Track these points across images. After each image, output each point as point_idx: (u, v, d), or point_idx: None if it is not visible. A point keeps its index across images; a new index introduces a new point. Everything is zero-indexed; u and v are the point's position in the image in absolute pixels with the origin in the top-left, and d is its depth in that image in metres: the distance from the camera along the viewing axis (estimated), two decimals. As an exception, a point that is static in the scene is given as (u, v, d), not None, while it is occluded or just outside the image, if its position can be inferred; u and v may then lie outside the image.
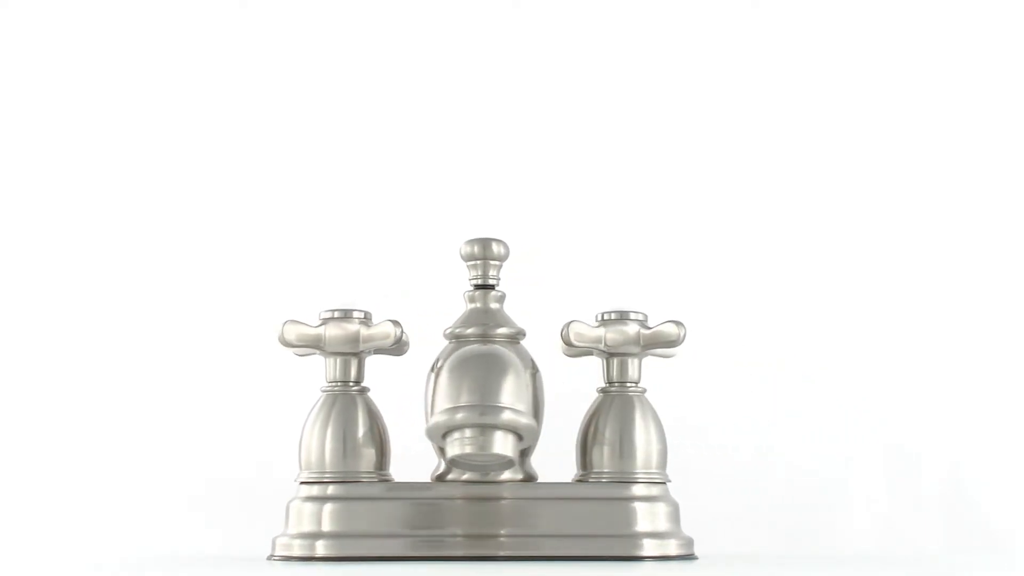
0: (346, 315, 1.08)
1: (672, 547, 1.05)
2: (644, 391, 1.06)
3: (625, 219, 1.43)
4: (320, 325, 1.08)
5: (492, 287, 1.10)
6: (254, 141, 1.43)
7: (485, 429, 0.92)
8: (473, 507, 1.05)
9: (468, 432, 0.92)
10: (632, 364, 1.06)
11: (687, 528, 1.09)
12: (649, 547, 1.04)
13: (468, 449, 0.92)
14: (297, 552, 1.05)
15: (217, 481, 1.37)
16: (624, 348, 1.06)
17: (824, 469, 1.40)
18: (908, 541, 1.38)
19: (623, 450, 1.05)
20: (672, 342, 1.06)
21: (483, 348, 0.99)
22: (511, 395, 0.94)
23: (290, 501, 1.08)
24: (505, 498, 1.05)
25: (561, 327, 1.07)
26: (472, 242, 1.09)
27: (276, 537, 1.08)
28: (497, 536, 1.04)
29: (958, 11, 1.44)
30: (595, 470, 1.06)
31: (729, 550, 1.32)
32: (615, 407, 1.06)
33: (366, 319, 1.08)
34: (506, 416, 0.93)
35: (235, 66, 1.43)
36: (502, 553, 1.03)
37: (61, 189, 1.42)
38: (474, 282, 1.10)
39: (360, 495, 1.05)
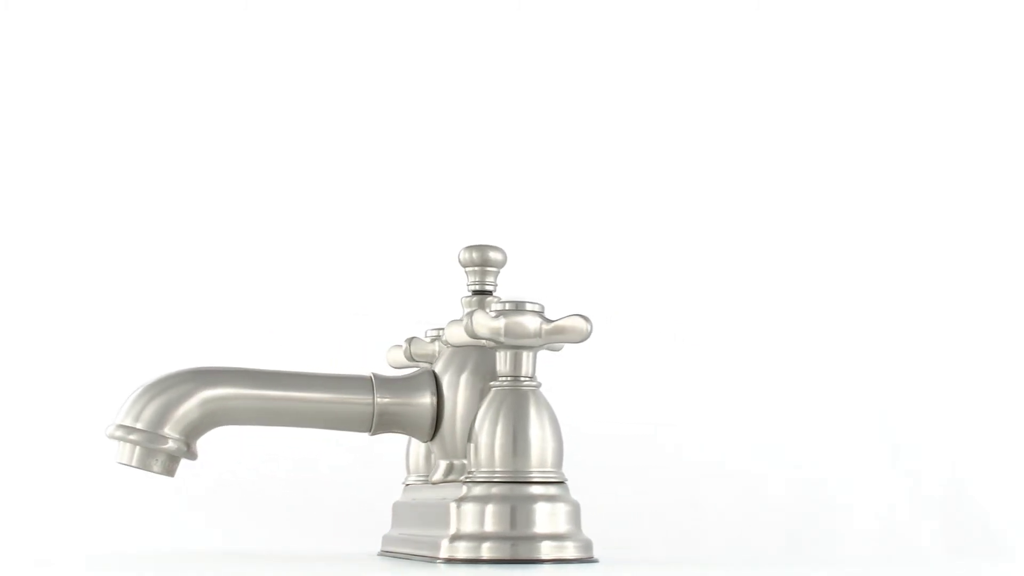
0: None
1: (570, 550, 0.99)
2: (539, 385, 1.01)
3: (618, 217, 1.43)
4: (432, 341, 1.12)
5: (489, 293, 1.10)
6: (246, 146, 1.47)
7: (151, 451, 1.00)
8: (411, 510, 1.09)
9: (137, 449, 1.01)
10: (526, 358, 1.01)
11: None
12: (546, 550, 0.99)
13: (133, 464, 1.01)
14: (406, 549, 1.08)
15: (319, 483, 1.41)
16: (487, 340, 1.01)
17: (824, 469, 1.37)
18: (908, 541, 1.35)
19: (517, 448, 1.00)
20: (578, 338, 1.01)
21: (181, 371, 1.02)
22: (179, 422, 1.01)
23: (396, 502, 1.14)
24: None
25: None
26: (470, 248, 1.10)
27: (385, 534, 1.13)
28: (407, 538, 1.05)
29: (958, 13, 1.41)
30: (485, 468, 1.00)
31: (720, 554, 1.29)
32: (507, 403, 1.00)
33: None
34: (170, 445, 1.01)
35: (229, 77, 1.48)
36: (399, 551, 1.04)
37: (93, 203, 1.48)
38: (472, 288, 1.10)
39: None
